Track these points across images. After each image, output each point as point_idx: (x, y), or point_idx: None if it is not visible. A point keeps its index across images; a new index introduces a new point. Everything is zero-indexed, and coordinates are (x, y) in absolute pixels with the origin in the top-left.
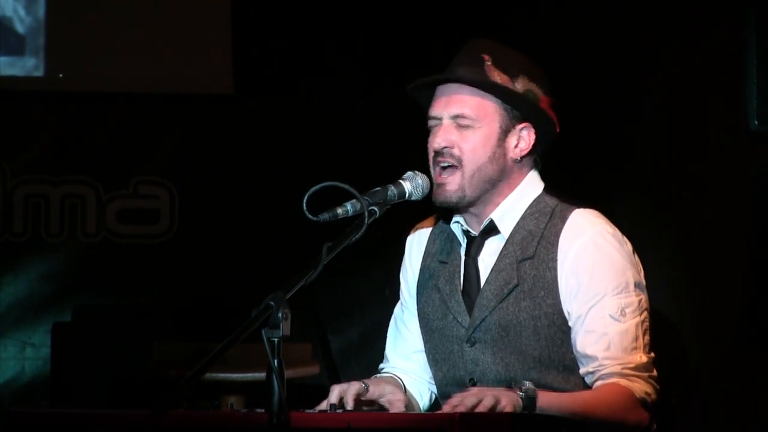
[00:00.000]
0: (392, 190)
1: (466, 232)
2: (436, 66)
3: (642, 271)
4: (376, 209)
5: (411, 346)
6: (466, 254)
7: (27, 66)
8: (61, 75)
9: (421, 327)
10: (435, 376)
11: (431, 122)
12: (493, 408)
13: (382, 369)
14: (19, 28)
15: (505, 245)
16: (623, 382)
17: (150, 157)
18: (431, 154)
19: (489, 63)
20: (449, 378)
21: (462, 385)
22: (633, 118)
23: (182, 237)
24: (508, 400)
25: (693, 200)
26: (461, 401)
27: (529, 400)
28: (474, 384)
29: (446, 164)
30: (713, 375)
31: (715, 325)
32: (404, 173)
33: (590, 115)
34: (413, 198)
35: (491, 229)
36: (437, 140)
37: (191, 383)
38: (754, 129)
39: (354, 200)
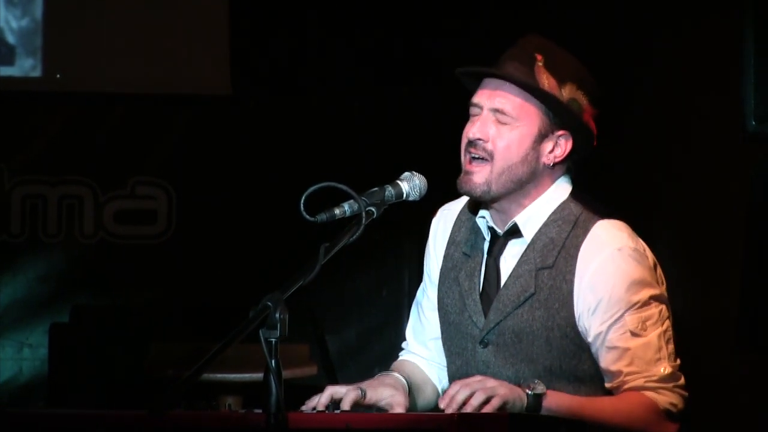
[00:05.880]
0: (390, 190)
1: (491, 229)
2: (434, 66)
3: (664, 283)
4: (373, 210)
5: (428, 333)
6: (488, 253)
7: (24, 66)
8: (58, 75)
9: (439, 316)
10: (448, 368)
11: (472, 109)
12: (487, 400)
13: (402, 350)
14: (10, 38)
15: (525, 251)
16: (648, 393)
17: (147, 158)
18: (464, 141)
19: (540, 64)
20: (461, 374)
21: None
22: (630, 118)
23: (179, 238)
24: (506, 391)
25: (690, 200)
26: (458, 390)
27: (535, 398)
28: None
29: (477, 156)
30: (710, 375)
31: (712, 326)
32: (402, 174)
33: None
34: (410, 198)
35: (515, 231)
36: (473, 130)
37: (189, 383)
38: (751, 129)
39: (351, 201)
